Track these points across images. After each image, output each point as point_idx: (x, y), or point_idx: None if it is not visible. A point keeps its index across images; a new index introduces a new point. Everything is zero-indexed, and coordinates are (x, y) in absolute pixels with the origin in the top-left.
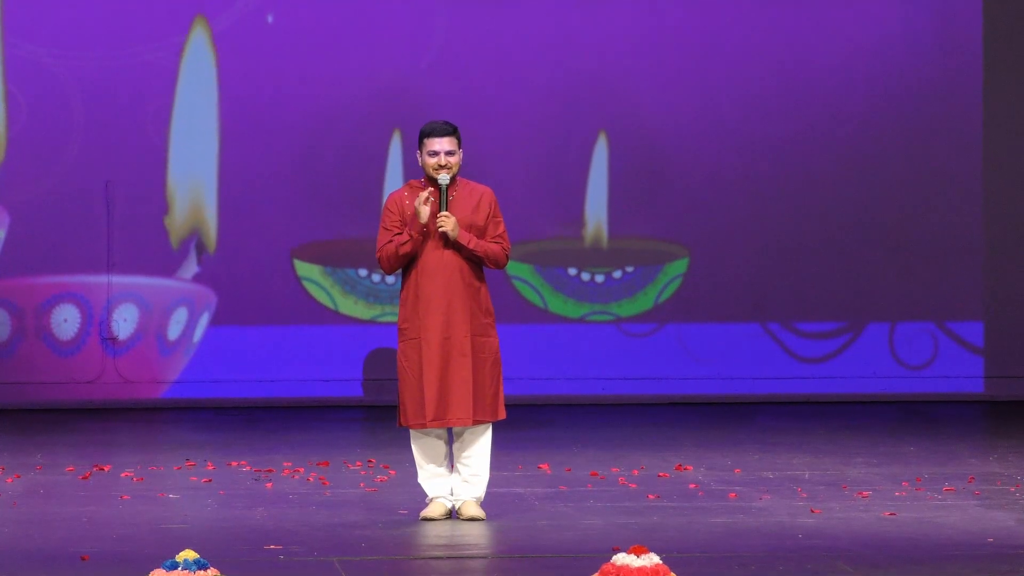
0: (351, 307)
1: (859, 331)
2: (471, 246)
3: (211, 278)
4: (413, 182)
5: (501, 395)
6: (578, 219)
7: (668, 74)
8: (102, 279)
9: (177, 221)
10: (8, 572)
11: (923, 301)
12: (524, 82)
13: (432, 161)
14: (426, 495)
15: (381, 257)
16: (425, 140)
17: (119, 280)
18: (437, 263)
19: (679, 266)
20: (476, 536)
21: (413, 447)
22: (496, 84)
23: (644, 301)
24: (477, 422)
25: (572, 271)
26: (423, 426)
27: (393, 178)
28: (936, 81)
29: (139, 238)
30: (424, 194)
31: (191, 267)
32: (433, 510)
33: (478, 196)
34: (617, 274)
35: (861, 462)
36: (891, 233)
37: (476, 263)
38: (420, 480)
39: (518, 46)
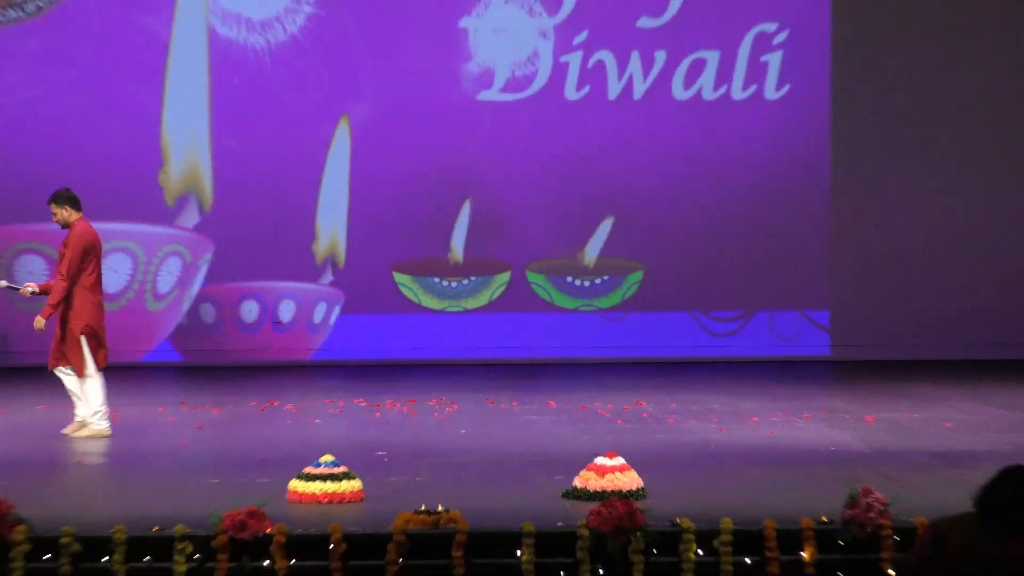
0: (429, 301)
1: (750, 317)
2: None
3: (341, 283)
4: None
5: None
6: (579, 247)
7: (641, 163)
8: (274, 284)
9: (321, 246)
10: (216, 469)
11: (791, 298)
12: (548, 162)
13: None
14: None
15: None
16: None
17: (283, 284)
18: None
19: (637, 276)
20: (505, 443)
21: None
22: (531, 163)
23: (615, 298)
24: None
25: (570, 279)
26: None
27: (461, 222)
28: (794, 156)
29: (294, 255)
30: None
31: (328, 276)
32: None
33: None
34: (598, 280)
35: (752, 399)
36: (772, 256)
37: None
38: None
39: (544, 136)
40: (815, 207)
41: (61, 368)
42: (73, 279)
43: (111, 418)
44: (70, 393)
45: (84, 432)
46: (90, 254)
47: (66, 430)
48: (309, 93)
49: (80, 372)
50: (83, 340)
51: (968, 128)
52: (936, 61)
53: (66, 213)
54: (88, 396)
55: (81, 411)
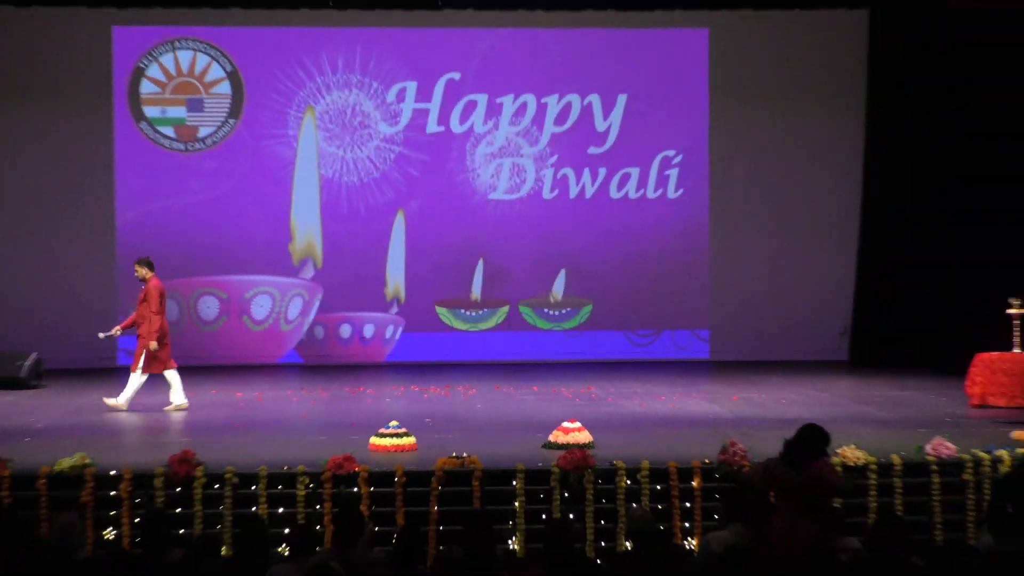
0: (458, 325)
1: (659, 333)
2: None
3: (403, 313)
4: None
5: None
6: (549, 290)
7: (591, 237)
8: (360, 313)
9: (389, 290)
10: (324, 429)
11: (685, 321)
12: (532, 237)
13: None
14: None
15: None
16: None
17: (366, 314)
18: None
19: (588, 309)
20: (506, 413)
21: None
22: (521, 237)
23: (574, 322)
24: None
25: (546, 310)
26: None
27: (478, 274)
28: (686, 233)
29: (372, 295)
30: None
31: (394, 308)
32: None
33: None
34: (563, 311)
35: (661, 385)
36: (672, 295)
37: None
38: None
39: (529, 221)
40: (699, 264)
41: (163, 371)
42: (158, 314)
43: (258, 398)
44: (171, 385)
45: (116, 402)
46: (161, 299)
47: (167, 408)
48: (381, 196)
49: (168, 366)
50: (154, 352)
51: (797, 208)
52: (772, 169)
53: (144, 271)
54: (133, 384)
55: (176, 397)
